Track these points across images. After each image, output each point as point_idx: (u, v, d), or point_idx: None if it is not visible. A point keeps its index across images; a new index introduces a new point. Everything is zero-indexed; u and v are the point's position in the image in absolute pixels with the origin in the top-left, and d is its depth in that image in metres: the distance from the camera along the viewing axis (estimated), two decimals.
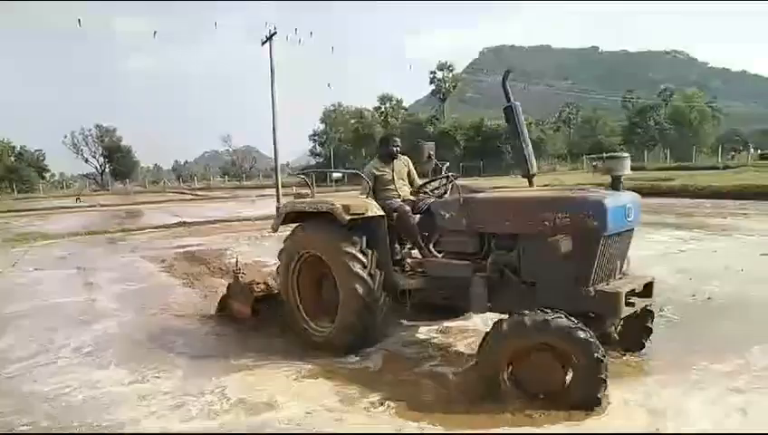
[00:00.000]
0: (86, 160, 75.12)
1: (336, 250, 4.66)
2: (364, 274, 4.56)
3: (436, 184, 5.44)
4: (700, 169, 35.71)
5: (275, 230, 5.59)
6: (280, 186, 24.38)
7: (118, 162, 74.08)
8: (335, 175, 56.32)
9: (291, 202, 5.40)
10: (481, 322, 5.48)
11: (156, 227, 18.49)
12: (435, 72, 66.56)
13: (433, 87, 67.64)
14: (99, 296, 8.04)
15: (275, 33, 23.57)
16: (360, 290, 4.54)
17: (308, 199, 5.18)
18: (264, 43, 23.83)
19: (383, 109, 67.14)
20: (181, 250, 12.43)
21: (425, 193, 5.43)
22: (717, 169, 33.81)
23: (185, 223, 19.31)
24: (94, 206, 33.53)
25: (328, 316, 5.00)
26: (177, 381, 4.54)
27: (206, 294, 7.80)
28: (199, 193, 50.52)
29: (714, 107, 65.08)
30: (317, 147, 70.97)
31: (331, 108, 70.40)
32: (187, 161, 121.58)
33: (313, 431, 3.51)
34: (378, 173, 5.43)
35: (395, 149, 5.56)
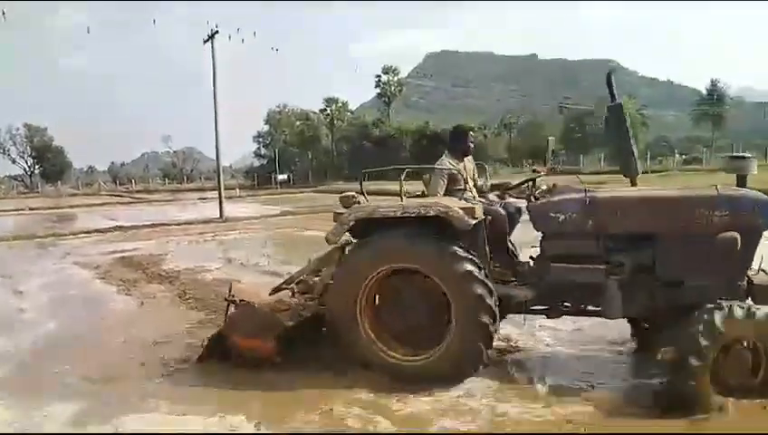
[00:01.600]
0: (13, 161, 70.91)
1: (448, 262, 3.97)
2: (484, 289, 3.96)
3: (518, 184, 5.10)
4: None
5: (334, 242, 4.54)
6: (222, 188, 23.83)
7: (48, 163, 70.31)
8: (280, 177, 55.78)
9: (357, 207, 4.34)
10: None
11: (90, 232, 17.67)
12: (380, 76, 66.93)
13: (378, 90, 67.98)
14: (26, 305, 7.61)
15: (217, 32, 23.02)
16: (481, 308, 3.94)
17: (384, 203, 4.34)
18: (205, 42, 23.23)
19: (329, 111, 66.86)
20: (117, 255, 11.94)
21: (508, 194, 5.10)
22: (646, 173, 35.64)
23: (121, 227, 18.58)
24: (22, 209, 31.69)
25: (407, 343, 4.26)
26: None
27: (143, 301, 7.52)
28: (137, 196, 48.71)
29: (643, 114, 68.51)
30: (261, 148, 69.79)
31: (276, 109, 69.48)
32: (124, 163, 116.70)
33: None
34: (454, 171, 4.85)
35: (470, 144, 5.12)
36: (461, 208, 4.03)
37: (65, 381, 4.68)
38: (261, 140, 69.55)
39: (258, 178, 62.66)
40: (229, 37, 24.00)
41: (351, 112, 70.68)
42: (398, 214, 4.10)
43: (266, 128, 69.03)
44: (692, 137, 79.00)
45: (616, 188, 5.23)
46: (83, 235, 17.10)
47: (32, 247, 14.53)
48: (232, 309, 4.87)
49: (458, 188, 4.81)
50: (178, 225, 19.35)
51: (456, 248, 4.00)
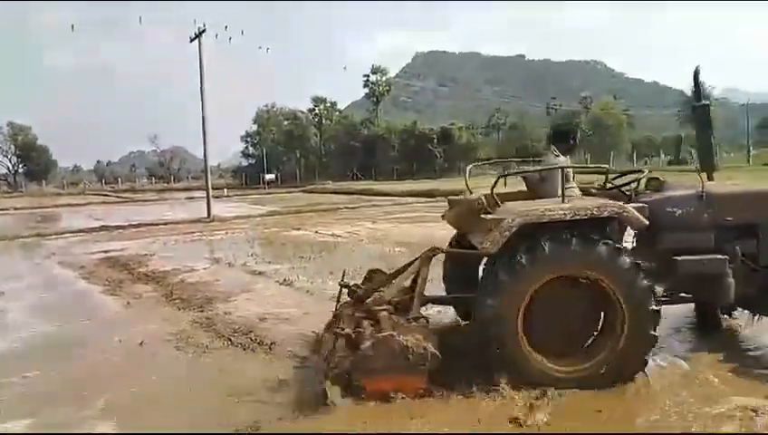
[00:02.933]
0: None
1: (624, 266, 3.87)
2: (651, 293, 3.93)
3: (626, 180, 5.08)
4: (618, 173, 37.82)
5: (494, 250, 3.91)
6: (210, 188, 23.70)
7: (33, 162, 69.43)
8: (268, 177, 55.55)
9: (518, 211, 3.95)
10: None
11: (75, 232, 17.49)
12: (369, 76, 66.93)
13: (367, 90, 67.98)
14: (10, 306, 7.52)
15: (204, 30, 22.89)
16: (651, 313, 3.92)
17: (539, 207, 4.00)
18: (192, 41, 23.08)
19: (317, 110, 66.73)
20: (103, 256, 11.83)
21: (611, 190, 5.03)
22: (633, 173, 35.97)
23: (106, 227, 18.41)
24: (6, 209, 31.27)
25: (559, 353, 4.09)
26: None
27: (129, 301, 7.47)
28: (124, 195, 48.27)
29: (629, 115, 69.20)
30: (249, 148, 69.49)
31: (264, 108, 69.24)
32: (110, 162, 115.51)
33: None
34: (569, 169, 4.71)
35: (574, 142, 5.17)
36: (633, 208, 4.01)
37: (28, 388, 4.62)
38: (249, 139, 69.29)
39: (246, 178, 62.39)
40: (216, 36, 23.89)
41: (340, 112, 70.60)
42: (569, 217, 3.86)
43: (254, 127, 68.78)
44: (677, 137, 79.92)
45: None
46: (68, 235, 16.92)
47: (15, 248, 14.35)
48: (344, 295, 4.86)
49: (570, 186, 4.62)
50: (165, 224, 19.21)
51: (627, 251, 4.01)
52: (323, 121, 65.87)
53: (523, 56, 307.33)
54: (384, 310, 4.30)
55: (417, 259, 4.69)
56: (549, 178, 4.72)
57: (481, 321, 4.01)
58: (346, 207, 23.64)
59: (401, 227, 15.26)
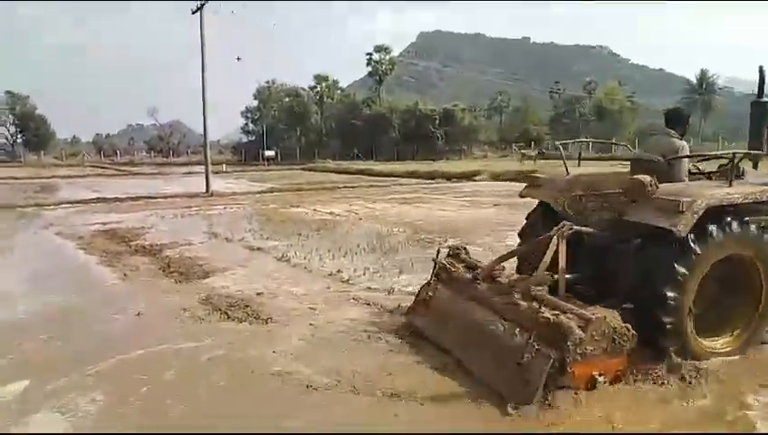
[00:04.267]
0: None
1: None
2: None
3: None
4: (619, 159, 37.61)
5: (685, 232, 3.84)
6: (209, 163, 23.60)
7: (31, 132, 68.97)
8: (267, 153, 55.28)
9: (708, 194, 3.99)
10: None
11: (73, 203, 17.47)
12: (371, 54, 66.24)
13: (369, 69, 67.33)
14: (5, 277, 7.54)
15: (205, 2, 22.59)
16: None
17: (708, 190, 4.10)
18: (194, 13, 22.78)
19: (318, 88, 66.17)
20: (100, 227, 11.83)
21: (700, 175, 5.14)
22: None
23: (105, 199, 18.39)
24: (4, 179, 31.17)
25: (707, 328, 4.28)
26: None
27: (126, 272, 7.48)
28: (122, 168, 48.10)
29: (633, 101, 68.73)
30: (249, 124, 69.02)
31: (265, 84, 68.63)
32: (109, 134, 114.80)
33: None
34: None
35: (687, 125, 5.21)
36: None
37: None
38: (249, 115, 68.77)
39: (245, 155, 62.09)
40: (220, 6, 23.56)
41: (342, 90, 70.02)
42: (750, 200, 4.16)
43: (255, 103, 68.26)
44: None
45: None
46: (66, 205, 16.90)
47: (13, 217, 14.33)
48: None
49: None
50: (164, 198, 19.19)
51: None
52: (325, 99, 65.36)
53: (528, 39, 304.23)
54: (541, 292, 4.03)
55: (544, 237, 4.37)
56: (676, 161, 4.70)
57: (656, 303, 3.93)
58: (345, 186, 23.60)
59: (400, 208, 15.25)
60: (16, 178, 31.71)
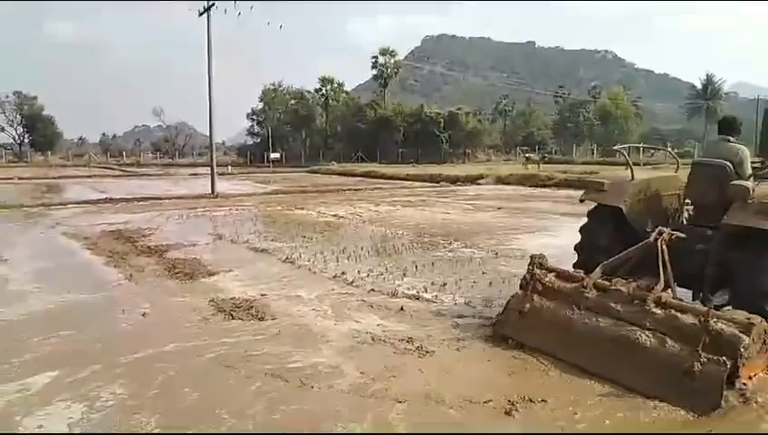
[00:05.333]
0: (2, 129, 69.87)
1: None
2: None
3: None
4: (623, 164, 37.51)
5: None
6: (215, 164, 23.71)
7: (38, 133, 69.35)
8: (272, 155, 55.48)
9: None
10: None
11: (79, 203, 17.60)
12: (377, 57, 66.36)
13: (375, 72, 67.46)
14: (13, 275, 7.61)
15: (213, 4, 22.72)
16: None
17: None
18: (201, 15, 22.92)
19: (324, 91, 66.36)
20: (107, 228, 11.92)
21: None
22: (638, 165, 35.65)
23: (111, 199, 18.50)
24: (11, 178, 31.38)
25: None
26: None
27: (132, 274, 7.54)
28: (128, 169, 48.32)
29: (638, 105, 68.69)
30: (255, 126, 69.25)
31: (271, 87, 68.85)
32: (115, 135, 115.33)
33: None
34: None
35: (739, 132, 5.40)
36: None
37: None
38: (255, 117, 68.99)
39: (250, 157, 62.26)
40: (225, 11, 23.70)
41: (347, 93, 70.17)
42: None
43: (260, 105, 68.47)
44: (684, 130, 79.33)
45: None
46: (72, 205, 17.02)
47: (20, 217, 14.45)
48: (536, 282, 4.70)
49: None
50: (169, 199, 19.30)
51: None
52: (330, 102, 65.52)
53: (533, 42, 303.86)
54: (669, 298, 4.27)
55: (642, 243, 4.66)
56: (741, 167, 4.96)
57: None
58: (350, 189, 23.67)
59: (403, 211, 15.31)
60: (21, 179, 31.92)
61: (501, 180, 27.38)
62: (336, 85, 66.92)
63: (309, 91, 67.53)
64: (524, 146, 57.98)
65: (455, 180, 28.40)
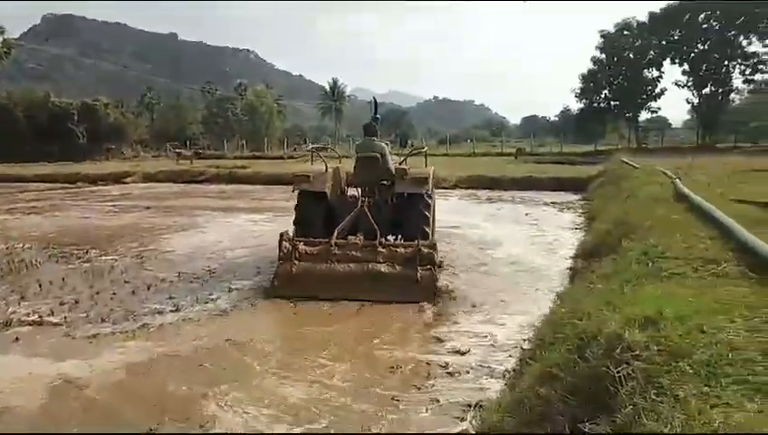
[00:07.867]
0: None
1: None
2: None
3: None
4: (271, 158, 39.92)
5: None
6: None
7: None
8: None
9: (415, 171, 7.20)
10: None
11: None
12: None
13: None
14: None
15: None
16: None
17: None
18: None
19: None
20: None
21: None
22: (282, 159, 38.40)
23: None
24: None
25: None
26: None
27: None
28: None
29: (280, 103, 73.81)
30: None
31: None
32: None
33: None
34: None
35: None
36: None
37: None
38: None
39: None
40: None
41: None
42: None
43: None
44: (320, 127, 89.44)
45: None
46: None
47: None
48: None
49: None
50: None
51: None
52: None
53: (175, 35, 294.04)
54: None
55: (354, 211, 6.90)
56: (386, 157, 7.23)
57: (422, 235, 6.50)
58: None
59: (26, 219, 12.94)
60: None
61: (150, 178, 25.70)
62: None
63: None
64: (175, 141, 55.74)
65: (95, 180, 25.38)
